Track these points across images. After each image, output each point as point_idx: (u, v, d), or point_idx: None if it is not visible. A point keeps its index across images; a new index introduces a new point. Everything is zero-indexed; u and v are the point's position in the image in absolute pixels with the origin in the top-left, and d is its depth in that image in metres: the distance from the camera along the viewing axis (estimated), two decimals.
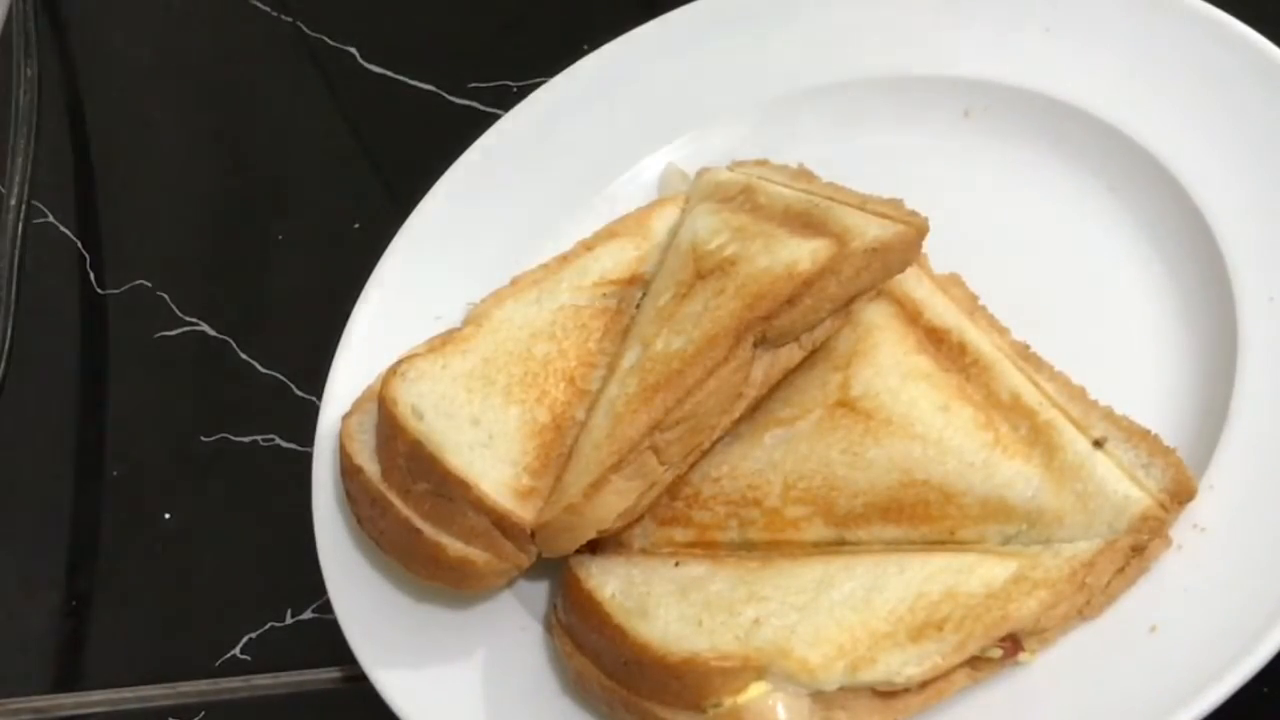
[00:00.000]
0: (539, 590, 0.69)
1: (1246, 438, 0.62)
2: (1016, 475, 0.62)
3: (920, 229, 0.67)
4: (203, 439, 0.83)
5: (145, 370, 0.88)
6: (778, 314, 0.65)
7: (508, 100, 0.86)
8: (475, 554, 0.64)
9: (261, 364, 0.85)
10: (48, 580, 0.81)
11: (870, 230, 0.66)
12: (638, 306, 0.71)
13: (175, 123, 1.00)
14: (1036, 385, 0.65)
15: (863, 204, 0.69)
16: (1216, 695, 0.56)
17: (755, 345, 0.65)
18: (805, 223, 0.69)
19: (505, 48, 0.95)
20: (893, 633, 0.59)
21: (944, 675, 0.59)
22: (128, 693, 0.75)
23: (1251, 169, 0.69)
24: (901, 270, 0.67)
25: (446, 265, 0.79)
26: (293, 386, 0.83)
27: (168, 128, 1.00)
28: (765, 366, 0.66)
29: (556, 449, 0.67)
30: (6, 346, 0.90)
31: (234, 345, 0.87)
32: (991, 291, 0.69)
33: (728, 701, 0.59)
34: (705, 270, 0.69)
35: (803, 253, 0.66)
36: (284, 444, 0.81)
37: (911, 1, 0.80)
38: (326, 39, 0.99)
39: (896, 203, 0.69)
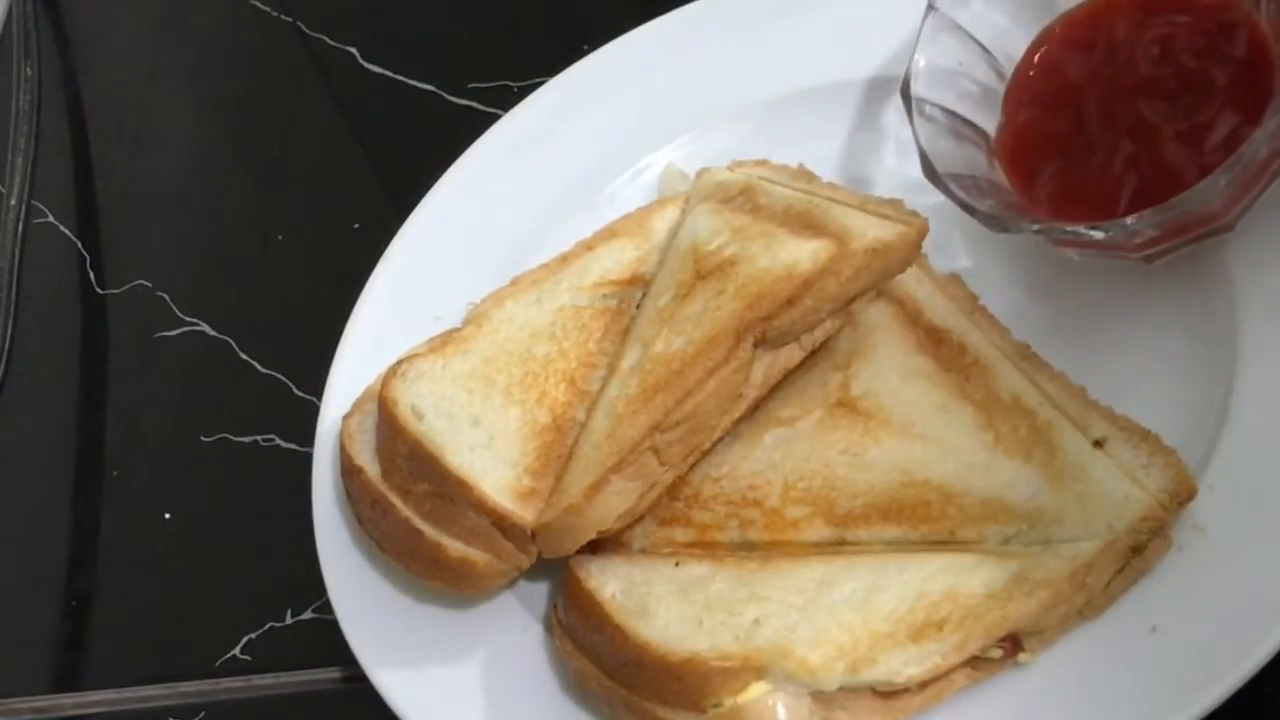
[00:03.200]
0: (539, 590, 0.69)
1: (1246, 438, 0.62)
2: (1016, 475, 0.62)
3: (920, 229, 0.67)
4: (203, 439, 0.83)
5: (145, 370, 0.88)
6: (778, 314, 0.65)
7: (508, 100, 0.86)
8: (476, 555, 0.64)
9: (261, 364, 0.85)
10: (48, 580, 0.81)
11: (870, 230, 0.66)
12: (638, 307, 0.71)
13: (175, 123, 1.00)
14: (1036, 385, 0.65)
15: (863, 204, 0.69)
16: (1216, 695, 0.56)
17: (755, 345, 0.65)
18: (805, 223, 0.69)
19: (505, 48, 0.94)
20: (893, 633, 0.59)
21: (944, 675, 0.59)
22: (128, 693, 0.75)
23: None
24: (901, 270, 0.67)
25: (446, 265, 0.79)
26: (293, 386, 0.83)
27: (168, 128, 1.00)
28: (765, 367, 0.66)
29: (557, 450, 0.67)
30: (6, 346, 0.90)
31: (234, 345, 0.86)
32: (991, 291, 0.69)
33: (728, 701, 0.59)
34: (705, 270, 0.69)
35: (803, 253, 0.66)
36: (284, 444, 0.81)
37: (911, 1, 0.79)
38: (326, 39, 0.99)
39: (896, 203, 0.69)
